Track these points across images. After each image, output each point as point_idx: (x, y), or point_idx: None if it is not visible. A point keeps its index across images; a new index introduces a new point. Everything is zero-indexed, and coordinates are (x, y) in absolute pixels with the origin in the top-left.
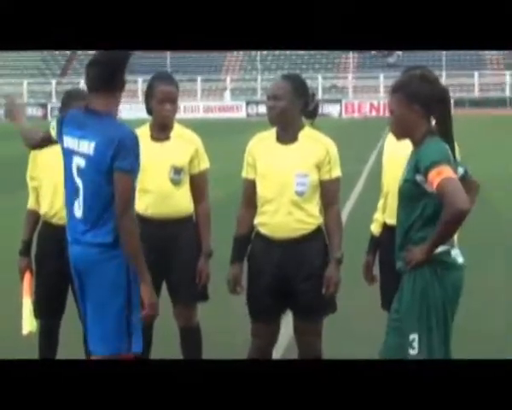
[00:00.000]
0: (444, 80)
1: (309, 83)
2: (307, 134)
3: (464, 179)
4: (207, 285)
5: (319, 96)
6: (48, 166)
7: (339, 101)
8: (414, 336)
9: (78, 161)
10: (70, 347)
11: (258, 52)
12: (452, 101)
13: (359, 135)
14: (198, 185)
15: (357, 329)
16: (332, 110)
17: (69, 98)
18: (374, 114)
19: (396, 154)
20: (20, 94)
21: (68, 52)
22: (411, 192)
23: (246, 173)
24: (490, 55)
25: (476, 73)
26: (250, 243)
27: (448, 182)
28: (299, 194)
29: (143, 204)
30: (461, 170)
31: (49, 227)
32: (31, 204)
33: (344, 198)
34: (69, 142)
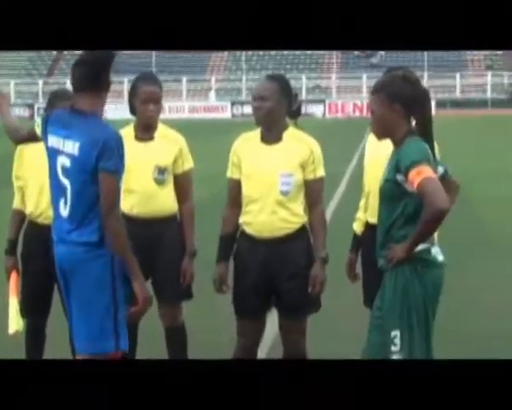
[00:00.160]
0: (426, 81)
1: (293, 83)
2: (291, 134)
3: (444, 179)
4: (191, 285)
5: (303, 96)
6: (33, 165)
7: (322, 101)
8: (396, 333)
9: (62, 161)
10: (56, 345)
11: (243, 52)
12: (434, 102)
13: (343, 135)
14: (182, 185)
15: (341, 327)
16: (316, 110)
17: (55, 98)
18: (357, 114)
19: (377, 154)
20: (8, 94)
21: (55, 52)
22: (392, 192)
23: (231, 173)
24: (471, 55)
25: (458, 74)
26: (235, 243)
27: (428, 182)
28: (284, 193)
29: (128, 204)
30: (441, 169)
31: (34, 227)
32: (16, 204)
33: (328, 198)
34: (54, 141)
